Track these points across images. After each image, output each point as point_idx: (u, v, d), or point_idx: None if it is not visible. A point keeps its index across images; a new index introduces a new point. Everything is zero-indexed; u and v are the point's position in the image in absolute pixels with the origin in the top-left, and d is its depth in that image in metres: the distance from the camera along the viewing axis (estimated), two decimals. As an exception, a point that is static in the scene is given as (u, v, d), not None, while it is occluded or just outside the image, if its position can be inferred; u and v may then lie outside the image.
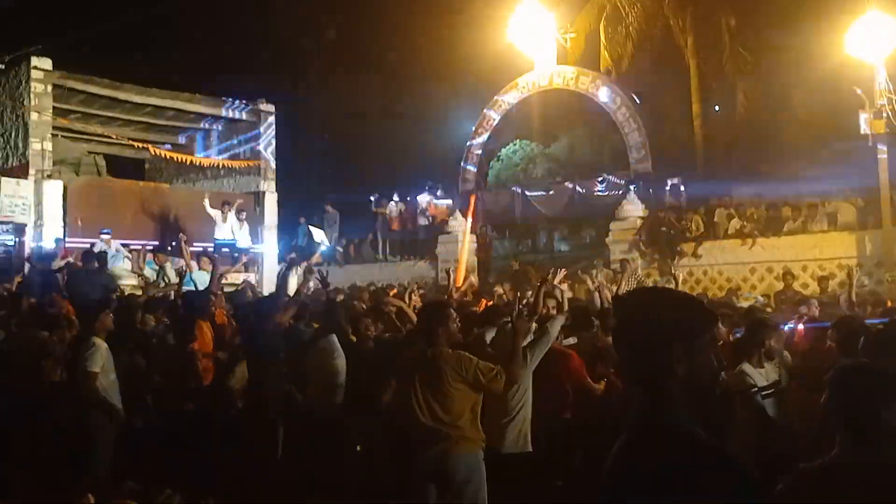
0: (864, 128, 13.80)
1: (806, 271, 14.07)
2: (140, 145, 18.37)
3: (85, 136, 18.52)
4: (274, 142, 19.23)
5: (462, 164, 20.77)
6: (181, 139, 20.05)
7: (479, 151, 20.72)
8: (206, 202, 15.79)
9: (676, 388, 1.91)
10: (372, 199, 20.63)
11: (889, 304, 9.21)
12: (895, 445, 2.51)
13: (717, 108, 19.95)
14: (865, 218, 14.42)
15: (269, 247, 18.05)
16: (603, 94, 18.84)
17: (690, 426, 1.90)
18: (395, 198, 20.74)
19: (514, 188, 20.15)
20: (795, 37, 16.77)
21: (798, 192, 15.48)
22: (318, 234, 15.41)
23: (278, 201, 18.80)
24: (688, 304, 2.01)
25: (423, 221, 20.03)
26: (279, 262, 16.87)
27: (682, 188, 17.21)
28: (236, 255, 15.22)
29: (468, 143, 20.76)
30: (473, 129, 20.81)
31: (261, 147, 19.16)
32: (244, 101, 19.09)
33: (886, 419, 2.51)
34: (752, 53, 18.74)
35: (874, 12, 13.98)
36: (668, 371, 1.90)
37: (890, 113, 13.50)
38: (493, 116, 20.51)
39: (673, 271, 11.12)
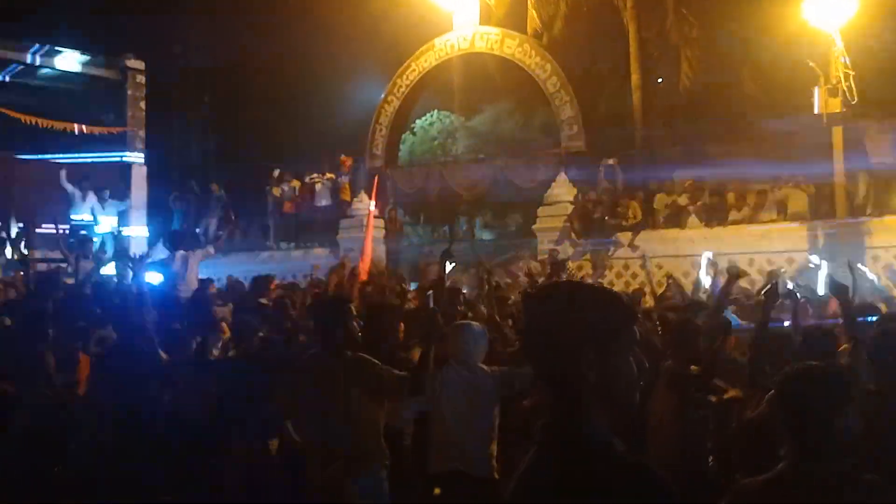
0: (819, 106, 14.18)
1: (753, 265, 14.41)
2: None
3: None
4: (144, 105, 18.57)
5: (369, 136, 20.49)
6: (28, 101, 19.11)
7: (390, 123, 20.47)
8: (63, 175, 15.14)
9: (589, 396, 1.91)
10: (276, 173, 19.92)
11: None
12: (845, 456, 2.58)
13: (659, 79, 20.25)
14: (818, 207, 14.86)
15: (137, 230, 17.40)
16: (531, 61, 18.85)
17: (606, 437, 1.90)
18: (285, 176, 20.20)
19: (429, 166, 20.03)
20: (747, 3, 17.20)
21: (745, 177, 15.83)
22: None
23: (148, 175, 18.14)
24: (601, 302, 1.97)
25: (322, 203, 19.64)
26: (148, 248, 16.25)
27: (619, 170, 17.39)
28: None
29: (376, 114, 20.48)
30: (383, 96, 20.53)
31: (128, 111, 18.45)
32: (108, 56, 18.34)
33: (838, 427, 2.55)
34: (698, 20, 19.09)
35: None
36: (580, 377, 1.90)
37: (846, 90, 13.89)
38: (406, 83, 20.28)
39: (646, 265, 11.26)
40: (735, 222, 15.41)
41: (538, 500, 1.90)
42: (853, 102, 14.02)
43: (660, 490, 1.84)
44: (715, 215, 15.64)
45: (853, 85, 13.92)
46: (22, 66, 18.15)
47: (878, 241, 14.09)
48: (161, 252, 14.12)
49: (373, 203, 15.48)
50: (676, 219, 16.04)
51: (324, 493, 4.70)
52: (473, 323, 5.55)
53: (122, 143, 18.42)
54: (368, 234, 14.05)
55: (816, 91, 14.28)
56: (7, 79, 18.52)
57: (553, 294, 2.05)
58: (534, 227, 17.22)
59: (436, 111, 21.01)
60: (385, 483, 4.74)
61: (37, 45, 17.84)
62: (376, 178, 18.13)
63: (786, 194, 15.25)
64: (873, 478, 2.64)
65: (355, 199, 18.96)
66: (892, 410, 3.98)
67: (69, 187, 15.27)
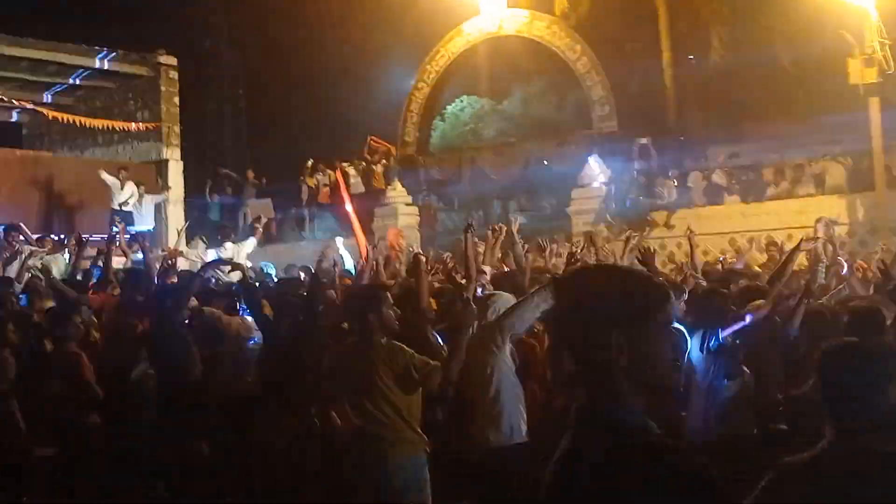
0: (855, 77, 13.96)
1: (791, 240, 14.24)
2: (18, 103, 17.71)
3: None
4: (178, 101, 18.74)
5: (401, 124, 20.52)
6: (66, 100, 19.40)
7: (420, 109, 20.48)
8: (103, 174, 15.39)
9: (623, 379, 1.87)
10: (309, 164, 20.04)
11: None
12: (891, 431, 2.53)
13: (691, 57, 20.03)
14: (856, 180, 14.66)
15: (174, 223, 17.61)
16: (560, 42, 18.75)
17: (640, 421, 1.87)
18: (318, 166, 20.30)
19: (461, 151, 20.02)
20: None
21: (781, 152, 15.64)
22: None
23: (184, 170, 18.36)
24: (633, 283, 1.94)
25: (356, 191, 19.70)
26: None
27: (652, 149, 17.26)
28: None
29: (406, 101, 20.50)
30: (413, 83, 20.54)
31: (162, 107, 18.66)
32: (141, 54, 18.55)
33: (879, 404, 2.53)
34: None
35: (864, -54, 14.07)
36: (612, 359, 1.87)
37: (883, 60, 13.65)
38: (436, 69, 20.26)
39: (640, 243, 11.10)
40: (772, 198, 15.25)
41: (574, 487, 1.88)
42: (890, 72, 13.79)
43: (695, 474, 1.81)
44: (752, 191, 15.50)
45: (889, 54, 13.69)
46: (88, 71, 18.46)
47: (917, 212, 13.89)
48: (197, 246, 14.31)
49: (348, 204, 15.23)
50: (713, 196, 15.90)
51: (362, 478, 4.76)
52: (504, 294, 5.56)
53: (156, 139, 18.62)
54: (356, 230, 13.91)
55: (852, 62, 14.06)
56: (79, 81, 18.86)
57: (581, 277, 2.04)
58: (568, 209, 17.16)
59: (465, 96, 20.93)
60: (424, 469, 4.76)
61: (105, 51, 18.12)
62: (338, 174, 17.84)
63: (823, 168, 15.07)
64: None
65: (389, 187, 19.01)
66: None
67: (109, 179, 15.47)
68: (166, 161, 18.33)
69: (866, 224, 14.13)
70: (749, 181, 15.65)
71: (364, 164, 19.63)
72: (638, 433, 1.85)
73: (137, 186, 15.89)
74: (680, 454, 1.83)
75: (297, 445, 6.20)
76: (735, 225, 14.98)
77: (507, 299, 5.39)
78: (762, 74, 17.92)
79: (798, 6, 16.09)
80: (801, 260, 11.45)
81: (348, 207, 15.17)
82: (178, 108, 19.00)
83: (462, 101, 20.99)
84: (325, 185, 19.56)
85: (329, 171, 19.61)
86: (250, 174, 20.01)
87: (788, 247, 13.48)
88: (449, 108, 21.01)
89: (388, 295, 5.17)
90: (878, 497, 2.47)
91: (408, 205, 18.55)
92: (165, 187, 17.73)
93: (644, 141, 17.14)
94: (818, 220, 10.97)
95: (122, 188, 15.54)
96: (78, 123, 18.04)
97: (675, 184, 16.20)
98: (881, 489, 2.47)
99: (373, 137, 19.71)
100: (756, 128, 16.52)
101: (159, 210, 17.07)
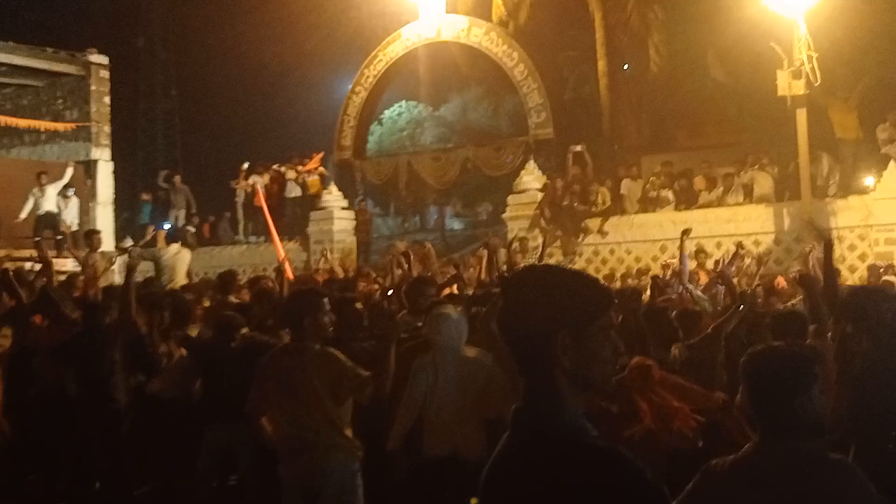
0: (783, 89, 14.25)
1: (720, 248, 14.49)
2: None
3: None
4: (108, 100, 18.29)
5: (337, 128, 20.34)
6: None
7: (358, 114, 20.33)
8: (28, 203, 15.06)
9: (563, 381, 1.89)
10: (244, 166, 19.72)
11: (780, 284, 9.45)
12: (815, 434, 2.58)
13: (626, 66, 20.27)
14: (783, 189, 14.98)
15: (103, 225, 17.18)
16: (498, 49, 18.80)
17: (579, 423, 1.89)
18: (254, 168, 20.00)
19: (398, 157, 19.94)
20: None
21: (712, 161, 15.91)
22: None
23: (114, 171, 17.91)
24: (577, 285, 1.95)
25: (291, 195, 19.48)
26: (116, 245, 16.07)
27: (587, 156, 17.40)
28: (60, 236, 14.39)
29: (344, 105, 20.34)
30: (350, 87, 20.38)
31: (92, 106, 18.17)
32: (71, 52, 18.05)
33: (802, 407, 2.57)
34: (661, 6, 19.13)
35: (792, -39, 14.36)
36: (554, 361, 1.88)
37: (811, 72, 13.97)
38: (373, 73, 20.15)
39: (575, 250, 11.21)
40: (703, 206, 15.50)
41: (509, 485, 1.89)
42: (817, 84, 14.11)
43: (630, 475, 1.82)
44: (683, 199, 15.74)
45: (816, 67, 14.01)
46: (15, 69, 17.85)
47: (842, 221, 14.23)
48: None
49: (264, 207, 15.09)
50: (646, 204, 16.10)
51: (295, 485, 4.71)
52: (451, 309, 5.46)
53: (86, 138, 18.14)
54: (275, 241, 13.83)
55: (781, 74, 14.36)
56: (5, 79, 18.23)
57: (528, 277, 2.01)
58: (504, 215, 17.20)
59: (404, 101, 20.88)
60: (357, 476, 4.73)
61: (33, 48, 17.54)
62: (256, 188, 17.60)
63: (752, 177, 15.36)
64: (840, 458, 2.66)
65: (325, 191, 18.82)
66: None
67: (30, 202, 15.18)
68: (95, 161, 17.84)
69: (792, 233, 14.44)
70: (681, 189, 15.88)
71: (301, 167, 19.40)
72: (575, 434, 1.86)
73: (66, 189, 15.47)
74: (616, 456, 1.83)
75: (232, 451, 6.16)
76: (667, 232, 15.17)
77: (453, 316, 5.30)
78: (695, 85, 18.23)
79: (730, 18, 16.39)
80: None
81: (266, 213, 15.08)
82: (108, 108, 18.55)
83: (400, 107, 20.94)
84: (261, 187, 19.28)
85: (265, 174, 19.35)
86: (177, 179, 19.59)
87: (719, 254, 13.77)
88: (386, 113, 20.93)
89: (326, 301, 5.09)
90: (802, 499, 2.51)
91: (343, 209, 18.38)
92: (94, 188, 17.28)
93: (579, 148, 17.27)
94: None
95: (43, 194, 15.13)
96: (3, 123, 17.49)
97: (609, 191, 16.35)
98: (805, 490, 2.50)
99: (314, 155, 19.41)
100: (688, 137, 16.79)
101: (87, 212, 16.63)
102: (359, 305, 6.53)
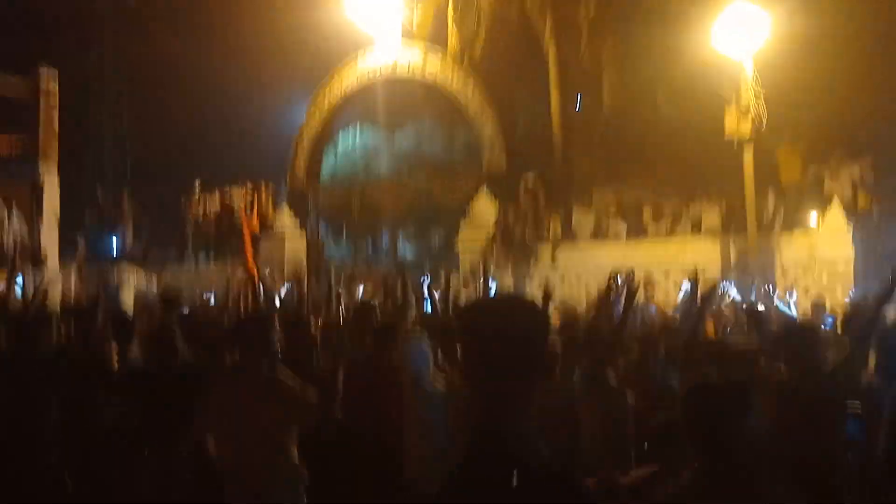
0: (730, 129, 14.53)
1: (668, 279, 14.62)
2: None
3: None
4: (56, 119, 17.91)
5: (291, 156, 20.19)
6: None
7: (312, 142, 20.23)
8: None
9: (523, 405, 1.97)
10: (196, 187, 19.44)
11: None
12: (748, 460, 2.68)
13: (579, 99, 20.47)
14: (730, 223, 15.23)
15: (48, 243, 16.75)
16: (453, 83, 18.90)
17: (533, 443, 1.96)
18: (208, 193, 19.73)
19: (351, 185, 19.87)
20: (660, 29, 17.53)
21: (662, 194, 16.14)
22: None
23: (62, 190, 17.51)
24: (537, 315, 2.10)
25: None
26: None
27: (539, 188, 17.51)
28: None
29: (298, 134, 20.23)
30: (305, 113, 20.28)
31: (40, 126, 17.78)
32: (19, 71, 17.67)
33: (738, 438, 2.66)
34: (613, 44, 19.41)
35: (740, 3, 14.70)
36: (517, 386, 1.97)
37: (757, 114, 14.28)
38: (328, 103, 20.09)
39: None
40: (653, 237, 15.69)
41: (461, 500, 1.93)
42: (763, 127, 14.44)
43: (578, 498, 1.92)
44: (633, 231, 15.93)
45: (763, 108, 14.33)
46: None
47: (786, 256, 14.51)
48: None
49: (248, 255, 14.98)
50: (596, 234, 16.27)
51: None
52: (421, 339, 5.41)
53: (32, 159, 17.69)
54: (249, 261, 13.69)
55: (728, 115, 14.64)
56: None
57: (487, 309, 2.14)
58: (456, 243, 17.18)
59: (358, 128, 20.79)
60: (302, 499, 4.66)
61: None
62: (245, 231, 17.42)
63: (700, 211, 15.62)
64: (776, 487, 2.75)
65: (278, 214, 18.63)
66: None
67: None
68: (41, 179, 17.41)
69: (738, 265, 14.66)
70: (631, 221, 16.08)
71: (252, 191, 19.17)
72: (529, 454, 1.92)
73: (10, 208, 15.10)
74: (566, 479, 1.92)
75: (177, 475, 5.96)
76: (616, 262, 15.24)
77: (421, 346, 5.24)
78: (646, 121, 18.49)
79: (680, 58, 16.68)
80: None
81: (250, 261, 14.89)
82: (56, 128, 18.18)
83: (354, 135, 20.84)
84: (211, 210, 19.06)
85: (214, 197, 19.11)
86: (124, 196, 19.18)
87: (666, 284, 13.92)
88: (341, 138, 20.82)
89: (276, 321, 5.01)
90: None
91: (296, 232, 18.22)
92: (39, 205, 16.86)
93: (531, 179, 17.38)
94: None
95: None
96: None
97: (561, 221, 16.48)
98: None
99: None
100: (639, 170, 16.98)
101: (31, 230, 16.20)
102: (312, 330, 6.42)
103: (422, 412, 4.99)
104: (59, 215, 17.48)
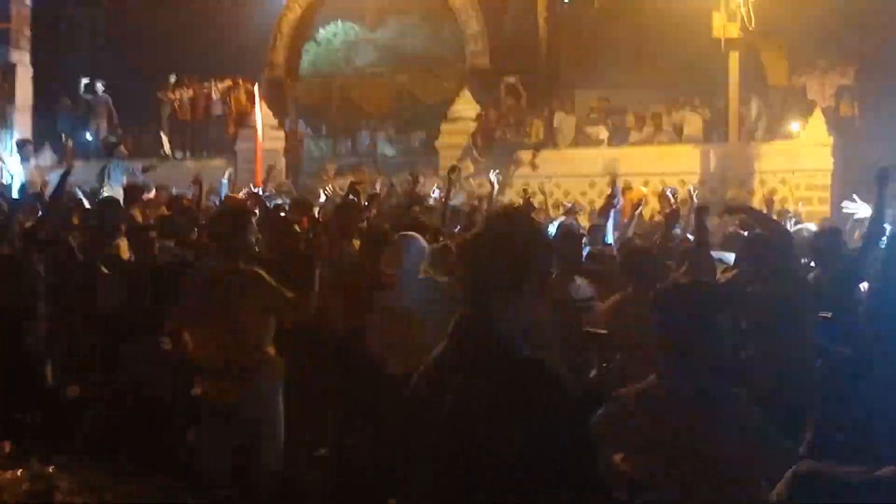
0: (717, 31, 14.34)
1: (648, 186, 14.68)
2: None
3: None
4: (29, 1, 17.40)
5: (270, 45, 19.73)
6: None
7: (291, 32, 19.74)
8: None
9: (512, 309, 2.05)
10: (172, 79, 19.00)
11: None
12: (716, 373, 2.65)
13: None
14: (712, 131, 15.20)
15: (21, 132, 16.50)
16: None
17: (513, 337, 2.03)
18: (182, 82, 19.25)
19: (332, 78, 19.53)
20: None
21: (645, 100, 16.03)
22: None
23: (34, 77, 17.11)
24: (536, 233, 2.21)
25: (217, 113, 18.90)
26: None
27: (521, 88, 17.31)
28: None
29: (277, 22, 19.71)
30: (285, 3, 19.74)
31: (12, 7, 17.26)
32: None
33: (709, 343, 2.61)
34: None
35: None
36: (509, 294, 2.05)
37: (745, 16, 14.06)
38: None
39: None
40: (635, 144, 15.65)
41: (439, 389, 1.99)
42: (750, 28, 14.23)
43: (555, 386, 1.97)
44: (615, 137, 15.87)
45: (751, 11, 14.11)
46: None
47: (765, 164, 14.54)
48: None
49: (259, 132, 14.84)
50: (578, 139, 16.19)
51: (214, 402, 4.68)
52: (416, 235, 5.28)
53: (4, 41, 17.26)
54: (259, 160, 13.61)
55: (716, 16, 14.43)
56: None
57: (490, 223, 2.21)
58: (437, 143, 17.06)
59: (340, 21, 20.29)
60: (278, 395, 4.72)
61: None
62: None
63: (682, 117, 15.54)
64: (739, 391, 2.72)
65: (254, 109, 18.30)
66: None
67: None
68: (13, 64, 17.01)
69: (717, 174, 14.71)
70: (613, 127, 15.99)
71: (229, 83, 18.79)
72: (508, 347, 1.99)
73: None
74: (543, 367, 1.98)
75: (158, 370, 6.07)
76: (597, 168, 15.28)
77: (419, 242, 5.20)
78: (632, 23, 18.17)
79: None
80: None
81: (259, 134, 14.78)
82: (28, 10, 17.67)
83: (336, 26, 20.34)
84: (189, 100, 18.68)
85: (192, 88, 18.72)
86: (99, 86, 18.73)
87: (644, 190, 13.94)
88: (322, 32, 20.33)
89: (253, 220, 5.00)
90: (700, 431, 2.56)
91: (273, 129, 17.95)
92: (12, 92, 16.52)
93: (513, 79, 17.16)
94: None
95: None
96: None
97: (543, 124, 16.34)
98: (703, 424, 2.56)
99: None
100: (622, 75, 16.78)
101: (3, 116, 15.93)
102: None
103: (411, 303, 5.00)
104: (32, 103, 17.19)
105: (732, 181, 14.35)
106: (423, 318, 4.88)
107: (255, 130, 15.17)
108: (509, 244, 2.05)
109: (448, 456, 1.96)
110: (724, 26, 14.42)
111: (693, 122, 15.40)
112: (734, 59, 14.45)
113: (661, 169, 14.68)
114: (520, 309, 2.05)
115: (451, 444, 1.95)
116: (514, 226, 2.12)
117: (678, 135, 15.46)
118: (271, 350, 4.72)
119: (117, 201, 8.66)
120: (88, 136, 17.62)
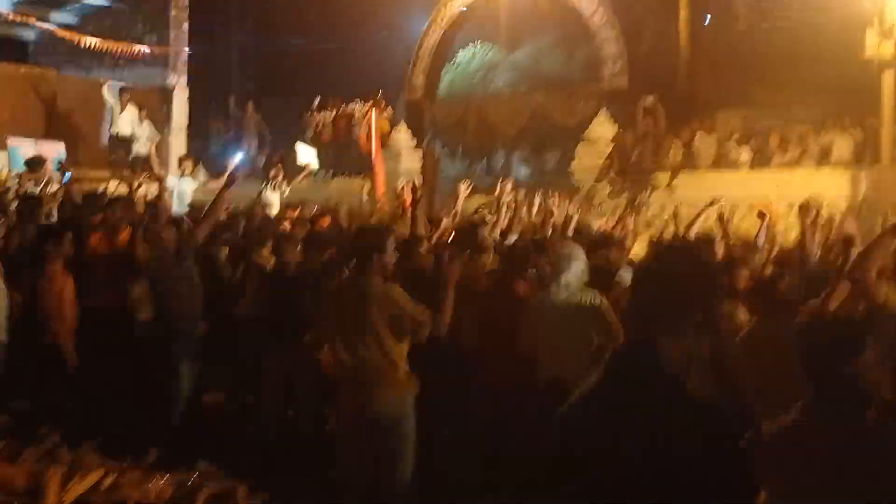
0: (871, 49, 13.75)
1: (792, 211, 14.12)
2: (25, 19, 17.46)
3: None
4: (186, 26, 18.50)
5: (410, 68, 20.25)
6: (73, 19, 19.13)
7: (430, 55, 20.19)
8: (105, 90, 15.37)
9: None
10: (316, 102, 19.84)
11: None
12: (859, 403, 2.58)
13: (707, 17, 19.66)
14: (863, 153, 14.53)
15: (177, 152, 17.51)
16: (577, -4, 18.43)
17: (677, 371, 2.20)
18: (325, 103, 20.03)
19: (468, 99, 19.83)
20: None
21: (790, 120, 15.49)
22: (306, 153, 14.82)
23: (190, 98, 18.16)
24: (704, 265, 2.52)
25: (359, 133, 19.49)
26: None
27: (660, 109, 17.04)
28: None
29: (417, 45, 20.21)
30: (424, 28, 20.22)
31: (170, 32, 18.39)
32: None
33: (850, 374, 2.57)
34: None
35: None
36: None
37: (901, 34, 13.45)
38: (448, 14, 19.94)
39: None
40: (780, 166, 15.13)
41: (597, 424, 2.10)
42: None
43: (721, 424, 2.09)
44: (758, 159, 15.38)
45: (908, 29, 13.47)
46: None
47: (921, 192, 13.75)
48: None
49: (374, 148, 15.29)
50: (719, 161, 15.79)
51: (351, 416, 4.87)
52: (572, 243, 5.61)
53: (163, 64, 18.41)
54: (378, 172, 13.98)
55: (869, 35, 13.85)
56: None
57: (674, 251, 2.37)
58: (572, 164, 17.03)
59: (478, 43, 20.63)
60: (411, 410, 4.84)
61: None
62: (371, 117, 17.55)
63: (830, 139, 14.93)
64: (889, 421, 2.64)
65: (394, 131, 18.83)
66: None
67: (110, 99, 15.49)
68: (171, 87, 18.11)
69: (868, 200, 14.01)
70: (756, 148, 15.51)
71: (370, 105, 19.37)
72: (673, 380, 2.11)
73: (139, 110, 15.79)
74: (708, 405, 2.15)
75: (291, 374, 6.35)
76: (738, 192, 14.82)
77: (575, 249, 5.39)
78: (777, 40, 17.63)
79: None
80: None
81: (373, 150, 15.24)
82: (186, 35, 18.78)
83: (473, 49, 20.70)
84: (331, 121, 19.41)
85: (335, 109, 19.42)
86: (250, 107, 19.69)
87: (790, 218, 13.41)
88: (460, 55, 20.73)
89: (393, 237, 5.18)
90: (848, 462, 2.51)
91: (411, 149, 18.39)
92: (168, 113, 17.60)
93: (651, 100, 16.93)
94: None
95: (121, 112, 15.48)
96: (84, 44, 17.79)
97: (681, 146, 16.04)
98: (851, 454, 2.51)
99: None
100: (767, 95, 16.29)
101: (160, 136, 16.93)
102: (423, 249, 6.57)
103: (568, 308, 5.14)
104: (187, 123, 18.21)
105: (886, 207, 13.64)
106: (579, 326, 5.00)
107: (391, 150, 15.57)
108: (676, 277, 2.11)
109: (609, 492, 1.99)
110: (878, 44, 13.82)
111: (842, 145, 14.74)
112: (889, 77, 13.80)
113: (807, 194, 14.09)
114: (685, 342, 2.08)
115: (611, 480, 2.00)
116: (683, 259, 2.17)
117: (826, 158, 14.84)
118: (405, 365, 4.84)
119: (268, 216, 9.14)
120: (240, 156, 18.48)
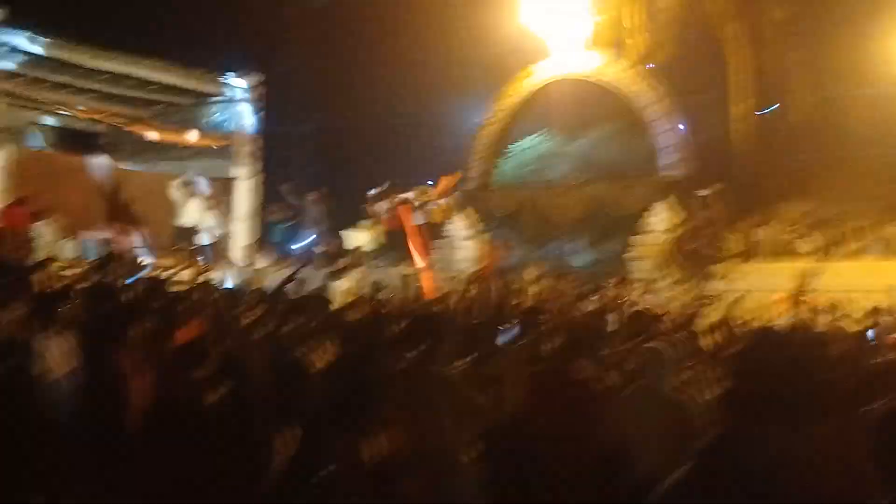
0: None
1: (853, 304, 13.91)
2: (93, 114, 18.28)
3: (31, 104, 18.41)
4: (253, 120, 19.19)
5: (469, 160, 20.65)
6: (143, 113, 19.96)
7: (487, 147, 20.59)
8: (173, 189, 15.93)
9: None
10: (373, 191, 20.33)
11: None
12: None
13: (765, 110, 19.83)
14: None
15: (241, 241, 18.01)
16: (629, 88, 18.74)
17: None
18: (386, 194, 20.49)
19: (524, 190, 20.06)
20: (854, 30, 16.73)
21: (852, 211, 15.39)
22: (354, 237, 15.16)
23: (252, 189, 18.72)
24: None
25: (417, 222, 19.82)
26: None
27: (718, 200, 17.06)
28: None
29: (475, 138, 20.65)
30: (482, 121, 20.69)
31: (243, 125, 19.06)
32: (227, 73, 18.99)
33: None
34: (808, 51, 18.68)
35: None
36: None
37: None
38: (504, 108, 20.39)
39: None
40: (839, 258, 14.97)
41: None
42: None
43: None
44: (818, 250, 15.26)
45: None
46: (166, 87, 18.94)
47: None
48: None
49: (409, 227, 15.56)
50: (778, 252, 15.68)
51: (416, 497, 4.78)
52: (661, 346, 5.37)
53: (227, 156, 19.03)
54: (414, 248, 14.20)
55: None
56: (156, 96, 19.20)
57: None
58: (628, 254, 17.03)
59: (534, 135, 21.00)
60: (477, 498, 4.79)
61: (183, 68, 18.60)
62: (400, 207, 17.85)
63: (893, 232, 14.80)
64: None
65: (456, 217, 19.08)
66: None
67: (176, 195, 16.03)
68: (234, 178, 18.70)
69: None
70: (816, 239, 15.41)
71: (429, 193, 19.78)
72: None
73: (205, 201, 16.33)
74: None
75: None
76: (797, 283, 14.63)
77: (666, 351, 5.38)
78: (837, 129, 17.65)
79: (874, 62, 15.84)
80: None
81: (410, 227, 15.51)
82: (251, 126, 19.46)
83: (531, 140, 21.06)
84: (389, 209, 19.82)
85: (392, 197, 19.83)
86: (315, 196, 20.19)
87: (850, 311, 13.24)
88: (516, 146, 21.10)
89: (452, 321, 5.24)
90: None
91: (468, 239, 18.62)
92: (232, 204, 18.13)
93: (707, 191, 16.97)
94: None
95: (186, 204, 16.03)
96: (152, 138, 18.55)
97: (740, 237, 15.99)
98: None
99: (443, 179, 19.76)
100: (827, 184, 16.25)
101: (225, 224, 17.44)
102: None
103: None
104: (250, 212, 18.72)
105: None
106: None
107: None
108: (772, 363, 2.08)
109: None
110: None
111: (905, 235, 14.62)
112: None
113: (870, 286, 13.91)
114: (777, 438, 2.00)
115: None
116: (779, 343, 2.13)
117: (888, 249, 14.67)
118: (469, 453, 4.81)
119: (326, 300, 9.27)
120: (301, 243, 18.90)
